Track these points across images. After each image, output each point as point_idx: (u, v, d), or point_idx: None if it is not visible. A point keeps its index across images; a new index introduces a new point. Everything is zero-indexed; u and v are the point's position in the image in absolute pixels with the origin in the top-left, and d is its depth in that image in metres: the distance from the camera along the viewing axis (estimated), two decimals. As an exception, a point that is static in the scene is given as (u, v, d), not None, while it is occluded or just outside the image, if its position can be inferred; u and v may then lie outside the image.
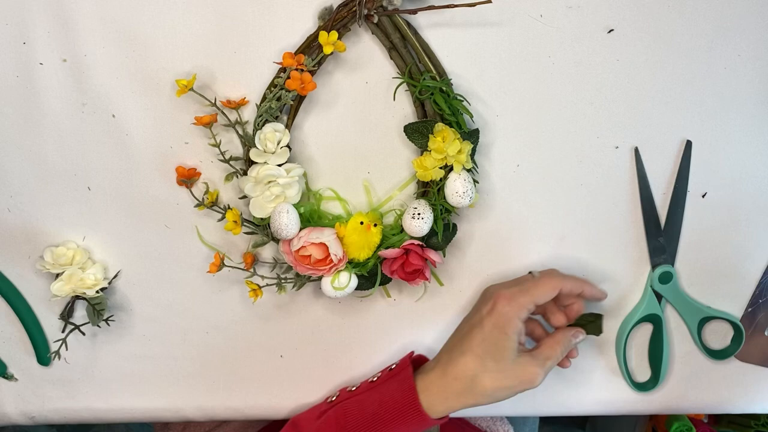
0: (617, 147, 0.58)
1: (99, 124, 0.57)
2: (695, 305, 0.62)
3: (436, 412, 0.54)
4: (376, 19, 0.53)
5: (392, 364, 0.59)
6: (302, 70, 0.52)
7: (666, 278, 0.60)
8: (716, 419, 1.05)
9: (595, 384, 0.64)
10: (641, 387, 0.63)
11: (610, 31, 0.56)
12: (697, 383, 0.64)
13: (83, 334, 0.61)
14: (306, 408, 0.63)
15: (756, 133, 0.58)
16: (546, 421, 1.19)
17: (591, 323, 0.59)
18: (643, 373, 0.64)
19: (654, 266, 0.61)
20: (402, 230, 0.57)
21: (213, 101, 0.54)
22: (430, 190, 0.56)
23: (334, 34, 0.52)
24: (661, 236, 0.60)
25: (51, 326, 0.62)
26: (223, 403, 0.64)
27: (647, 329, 0.63)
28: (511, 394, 0.54)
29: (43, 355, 0.62)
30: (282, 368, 0.64)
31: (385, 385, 0.57)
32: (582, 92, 0.57)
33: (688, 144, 0.58)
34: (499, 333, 0.53)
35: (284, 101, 0.54)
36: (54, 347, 0.62)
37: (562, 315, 0.59)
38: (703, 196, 0.60)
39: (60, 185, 0.59)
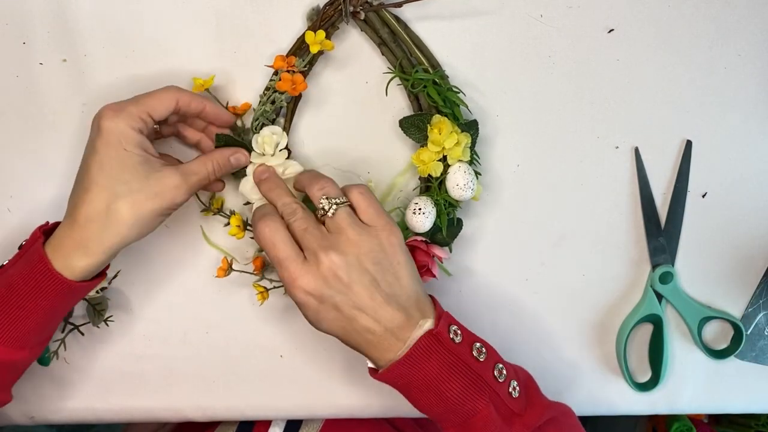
0: (617, 147, 0.58)
1: (99, 124, 0.57)
2: (695, 305, 0.62)
3: (77, 270, 0.47)
4: (362, 16, 0.53)
5: (22, 241, 0.51)
6: (293, 72, 0.52)
7: (666, 278, 0.60)
8: (716, 419, 1.05)
9: (595, 384, 0.64)
10: (641, 387, 0.63)
11: (610, 31, 0.56)
12: (697, 383, 0.64)
13: (82, 334, 0.61)
14: (305, 409, 0.63)
15: (756, 133, 0.58)
16: (546, 421, 1.19)
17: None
18: (643, 373, 0.64)
19: (654, 266, 0.61)
20: (406, 227, 0.57)
21: (225, 105, 0.54)
22: (432, 185, 0.56)
23: (321, 34, 0.52)
24: (661, 236, 0.60)
25: (51, 326, 0.62)
26: (223, 403, 0.64)
27: (647, 329, 0.63)
28: (158, 215, 0.48)
29: (43, 355, 0.62)
30: (282, 368, 0.64)
31: (15, 265, 0.49)
32: (582, 92, 0.57)
33: (688, 144, 0.58)
34: (116, 150, 0.47)
35: (278, 104, 0.54)
36: (53, 347, 0.62)
37: (198, 133, 0.54)
38: (703, 196, 0.60)
39: (60, 185, 0.58)
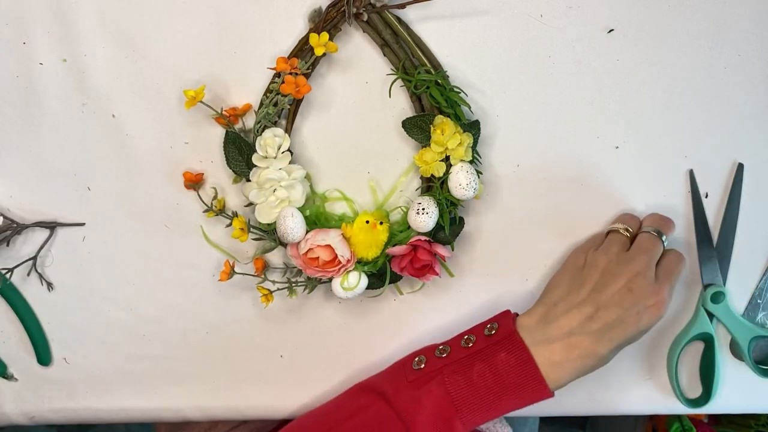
0: (617, 147, 0.58)
1: (99, 124, 0.57)
2: (746, 324, 0.60)
3: (558, 383, 0.50)
4: (365, 17, 0.53)
5: (488, 324, 0.54)
6: (296, 74, 0.52)
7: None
8: (716, 419, 1.05)
9: (595, 384, 0.64)
10: (693, 403, 0.62)
11: (610, 31, 0.56)
12: (697, 383, 0.64)
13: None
14: (305, 409, 0.63)
15: (756, 133, 0.58)
16: (546, 421, 1.19)
17: None
18: (693, 390, 0.64)
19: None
20: (409, 227, 0.57)
21: (219, 110, 0.54)
22: (434, 185, 0.56)
23: (325, 36, 0.52)
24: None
25: (51, 326, 0.62)
26: (223, 403, 0.64)
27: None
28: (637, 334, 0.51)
29: (43, 355, 0.62)
30: (282, 368, 0.64)
31: (494, 355, 0.51)
32: (582, 92, 0.57)
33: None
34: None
35: (281, 106, 0.54)
36: (54, 348, 0.62)
37: None
38: (706, 197, 0.60)
39: (60, 185, 0.59)
